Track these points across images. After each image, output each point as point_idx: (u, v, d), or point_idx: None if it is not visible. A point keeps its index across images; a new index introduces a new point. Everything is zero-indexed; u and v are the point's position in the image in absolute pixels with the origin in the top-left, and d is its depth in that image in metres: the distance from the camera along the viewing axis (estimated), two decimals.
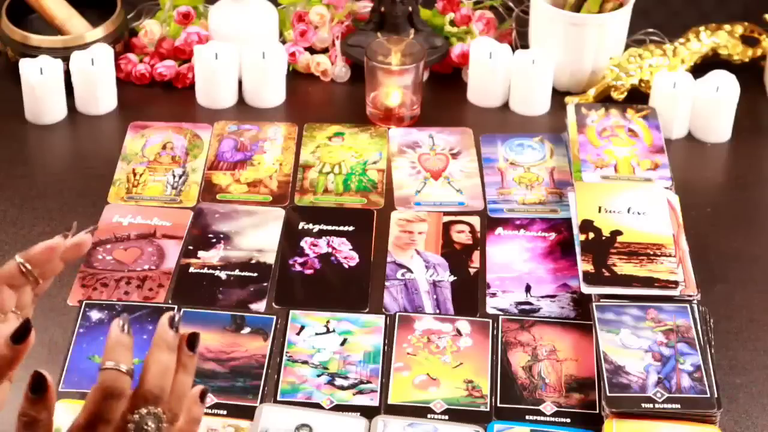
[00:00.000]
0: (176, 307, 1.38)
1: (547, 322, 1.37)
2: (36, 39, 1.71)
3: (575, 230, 1.44)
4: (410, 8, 1.76)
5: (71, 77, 1.68)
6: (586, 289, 1.36)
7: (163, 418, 0.89)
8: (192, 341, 0.92)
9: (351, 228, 1.51)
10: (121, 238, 1.48)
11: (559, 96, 1.73)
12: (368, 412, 1.26)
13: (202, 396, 0.94)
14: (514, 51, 1.72)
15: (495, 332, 1.36)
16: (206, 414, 1.25)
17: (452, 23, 1.78)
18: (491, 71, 1.71)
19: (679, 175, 1.57)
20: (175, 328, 0.91)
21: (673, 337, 1.30)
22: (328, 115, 1.71)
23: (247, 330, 1.36)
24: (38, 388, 0.87)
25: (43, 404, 0.88)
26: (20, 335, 0.87)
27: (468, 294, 1.42)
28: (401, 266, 1.45)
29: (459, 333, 1.36)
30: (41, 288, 0.99)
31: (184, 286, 1.42)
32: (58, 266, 0.98)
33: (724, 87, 1.65)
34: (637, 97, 1.71)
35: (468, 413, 1.27)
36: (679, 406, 1.22)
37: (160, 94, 1.75)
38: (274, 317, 1.38)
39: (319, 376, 1.31)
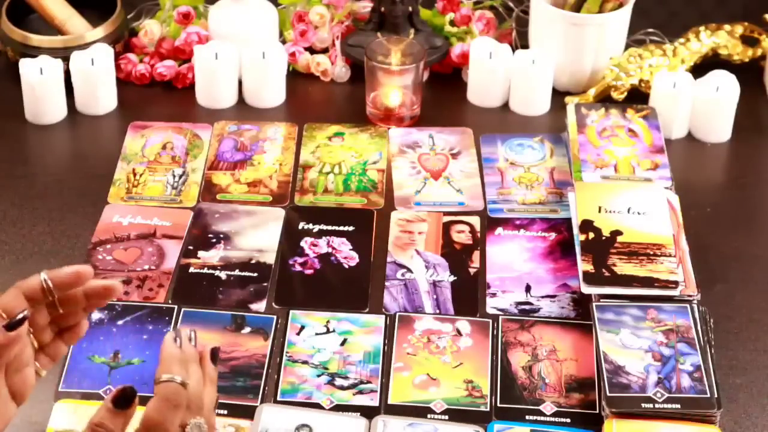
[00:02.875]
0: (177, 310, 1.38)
1: (547, 322, 1.37)
2: (36, 39, 1.71)
3: (575, 230, 1.44)
4: (410, 8, 1.76)
5: (71, 77, 1.68)
6: (586, 289, 1.36)
7: (205, 428, 0.93)
8: (214, 355, 0.99)
9: (351, 228, 1.51)
10: (121, 238, 1.48)
11: (559, 96, 1.73)
12: (368, 412, 1.26)
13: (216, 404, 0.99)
14: (514, 51, 1.72)
15: (495, 332, 1.36)
16: None
17: (452, 23, 1.78)
18: (491, 71, 1.71)
19: (679, 175, 1.57)
20: (193, 343, 0.98)
21: (673, 337, 1.30)
22: (328, 115, 1.71)
23: (247, 330, 1.36)
24: (123, 403, 0.91)
25: (123, 419, 0.91)
26: (13, 325, 0.92)
27: (468, 294, 1.42)
28: (401, 266, 1.45)
29: (459, 333, 1.36)
30: (57, 351, 1.00)
31: (184, 286, 1.42)
32: (79, 300, 0.99)
33: (724, 87, 1.65)
34: (637, 97, 1.71)
35: (468, 413, 1.27)
36: (679, 406, 1.22)
37: (160, 94, 1.75)
38: (274, 317, 1.38)
39: (319, 376, 1.31)
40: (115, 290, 0.99)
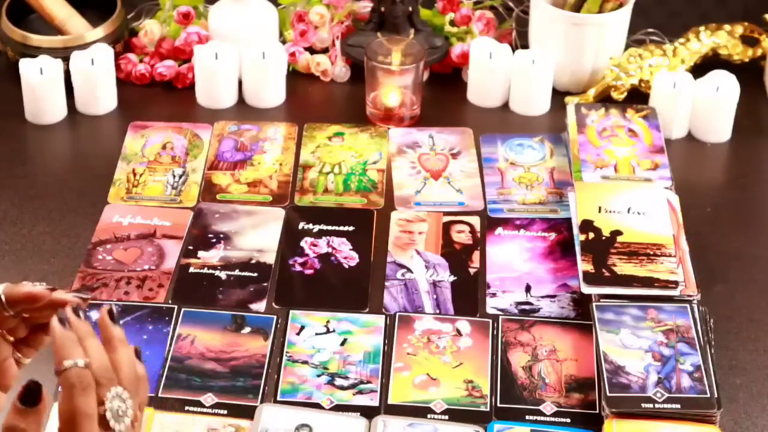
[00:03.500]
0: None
1: (547, 322, 1.37)
2: (36, 39, 1.71)
3: (575, 230, 1.44)
4: (410, 8, 1.76)
5: (71, 77, 1.68)
6: (586, 289, 1.36)
7: (126, 395, 0.90)
8: (111, 315, 0.95)
9: (351, 228, 1.51)
10: (121, 238, 1.48)
11: (559, 96, 1.73)
12: (368, 412, 1.26)
13: (137, 354, 0.95)
14: (514, 51, 1.72)
15: (495, 332, 1.36)
16: (207, 414, 1.26)
17: (452, 23, 1.78)
18: (491, 71, 1.71)
19: (679, 175, 1.57)
20: (81, 317, 0.94)
21: (673, 337, 1.30)
22: (328, 115, 1.71)
23: (247, 330, 1.36)
24: (30, 399, 0.86)
25: (34, 417, 0.86)
26: None
27: (468, 294, 1.42)
28: (401, 266, 1.45)
29: (459, 333, 1.36)
30: (37, 341, 0.99)
31: (184, 286, 1.42)
32: (45, 314, 0.97)
33: (724, 87, 1.65)
34: (637, 97, 1.71)
35: (468, 413, 1.27)
36: (679, 406, 1.22)
37: (160, 94, 1.75)
38: (274, 317, 1.38)
39: (319, 376, 1.31)
40: (78, 306, 0.96)
